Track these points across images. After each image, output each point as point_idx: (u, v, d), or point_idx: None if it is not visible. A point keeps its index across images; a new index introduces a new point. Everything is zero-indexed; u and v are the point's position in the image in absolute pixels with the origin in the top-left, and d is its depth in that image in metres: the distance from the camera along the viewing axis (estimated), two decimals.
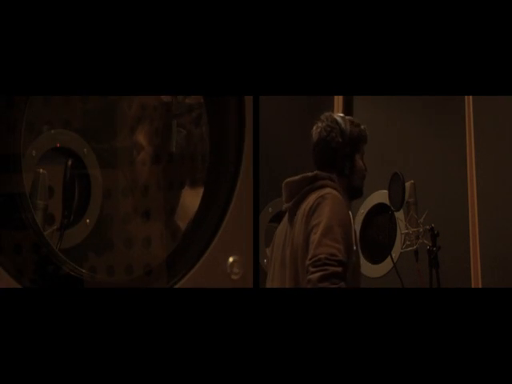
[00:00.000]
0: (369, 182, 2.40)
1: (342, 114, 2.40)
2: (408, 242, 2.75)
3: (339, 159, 2.27)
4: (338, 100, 3.42)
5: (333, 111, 3.30)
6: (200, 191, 1.86)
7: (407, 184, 2.67)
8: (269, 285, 2.31)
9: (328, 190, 2.18)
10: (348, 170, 2.27)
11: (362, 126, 2.33)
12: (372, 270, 3.24)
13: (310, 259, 2.03)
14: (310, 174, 2.25)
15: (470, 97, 2.95)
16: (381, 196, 3.19)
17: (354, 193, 2.30)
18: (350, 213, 2.17)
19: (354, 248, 2.12)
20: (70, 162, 1.88)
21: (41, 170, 1.76)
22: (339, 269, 2.00)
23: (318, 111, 2.41)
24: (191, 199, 1.89)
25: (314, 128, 2.32)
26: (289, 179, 2.29)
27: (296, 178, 2.27)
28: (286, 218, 2.32)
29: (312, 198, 2.17)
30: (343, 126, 2.29)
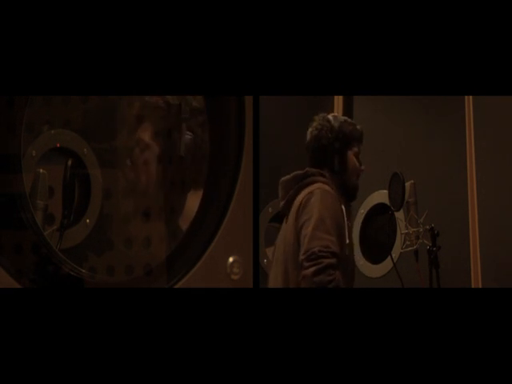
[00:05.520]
0: (369, 182, 2.41)
1: (335, 114, 2.42)
2: (408, 242, 2.75)
3: (329, 155, 2.29)
4: (338, 100, 3.42)
5: (333, 111, 3.31)
6: (200, 191, 1.86)
7: (407, 184, 2.67)
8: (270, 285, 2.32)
9: (318, 185, 2.20)
10: (338, 167, 2.29)
11: (358, 126, 2.35)
12: (372, 270, 3.24)
13: (304, 254, 2.04)
14: (300, 171, 2.27)
15: (470, 97, 2.95)
16: (381, 196, 3.19)
17: (348, 191, 2.30)
18: (343, 207, 2.18)
19: (347, 241, 2.13)
20: (69, 162, 1.88)
21: (41, 170, 1.76)
22: (333, 260, 2.01)
23: (318, 111, 2.42)
24: (191, 199, 1.90)
25: (308, 131, 2.35)
26: (283, 178, 2.32)
27: (289, 176, 2.29)
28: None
29: (302, 195, 2.19)
30: (333, 122, 2.31)
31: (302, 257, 2.05)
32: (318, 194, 2.16)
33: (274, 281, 2.22)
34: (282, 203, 2.29)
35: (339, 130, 2.30)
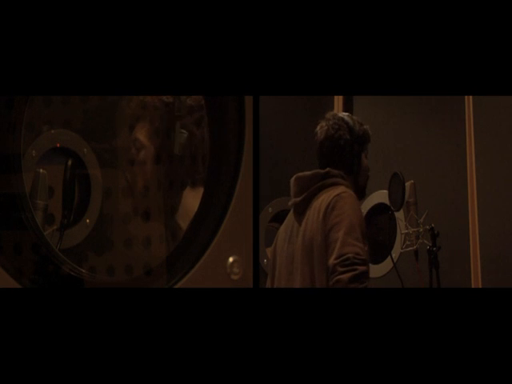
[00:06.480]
0: (369, 182, 2.40)
1: (347, 113, 2.39)
2: (408, 242, 2.75)
3: (348, 157, 2.26)
4: (338, 100, 3.42)
5: (333, 111, 3.31)
6: (200, 191, 1.86)
7: (407, 184, 2.67)
8: (276, 282, 2.29)
9: (343, 188, 2.17)
10: (354, 168, 2.27)
11: (366, 126, 2.33)
12: (372, 270, 3.22)
13: (337, 258, 2.01)
14: (321, 170, 2.24)
15: (470, 97, 2.96)
16: (381, 196, 3.19)
17: (358, 193, 2.29)
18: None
19: (366, 249, 2.13)
20: (70, 162, 1.89)
21: (41, 170, 1.76)
22: (365, 268, 2.02)
23: (317, 111, 2.41)
24: (191, 199, 1.90)
25: (319, 127, 2.31)
26: (299, 174, 2.27)
27: (307, 173, 2.25)
28: (290, 215, 2.30)
29: (327, 195, 2.15)
30: (351, 123, 2.28)
31: (334, 261, 2.02)
32: (346, 198, 2.13)
33: (290, 279, 2.19)
34: (296, 199, 2.25)
35: (357, 132, 2.27)
